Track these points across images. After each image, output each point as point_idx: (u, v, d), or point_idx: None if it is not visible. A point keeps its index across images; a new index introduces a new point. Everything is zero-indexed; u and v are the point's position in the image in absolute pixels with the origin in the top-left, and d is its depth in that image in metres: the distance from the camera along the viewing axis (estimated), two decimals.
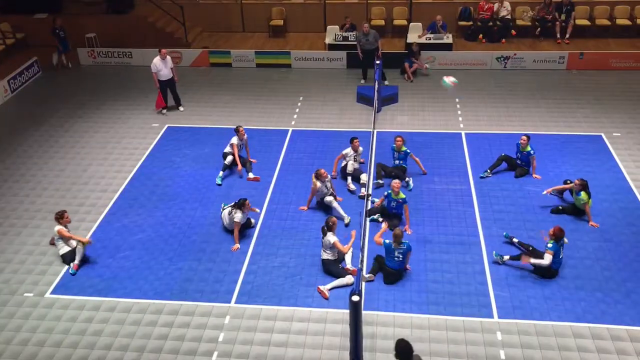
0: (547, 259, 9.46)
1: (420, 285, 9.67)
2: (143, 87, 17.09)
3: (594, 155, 13.11)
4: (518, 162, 12.44)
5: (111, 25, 19.44)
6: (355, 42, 17.09)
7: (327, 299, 9.45)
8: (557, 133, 14.04)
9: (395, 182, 10.95)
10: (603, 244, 10.45)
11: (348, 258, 9.96)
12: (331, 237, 9.78)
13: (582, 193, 10.85)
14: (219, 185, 12.50)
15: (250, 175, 12.66)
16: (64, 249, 10.35)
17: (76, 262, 10.20)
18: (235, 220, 10.60)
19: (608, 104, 15.37)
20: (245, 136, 12.93)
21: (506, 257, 10.05)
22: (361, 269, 9.18)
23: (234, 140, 12.80)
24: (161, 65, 15.08)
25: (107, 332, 9.03)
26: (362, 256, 9.80)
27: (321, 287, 9.60)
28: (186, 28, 19.52)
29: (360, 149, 12.42)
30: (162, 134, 14.65)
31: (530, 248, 10.08)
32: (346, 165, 12.25)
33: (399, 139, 12.24)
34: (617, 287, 9.51)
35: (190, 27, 19.97)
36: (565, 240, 9.86)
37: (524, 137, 12.25)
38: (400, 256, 9.62)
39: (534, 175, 12.33)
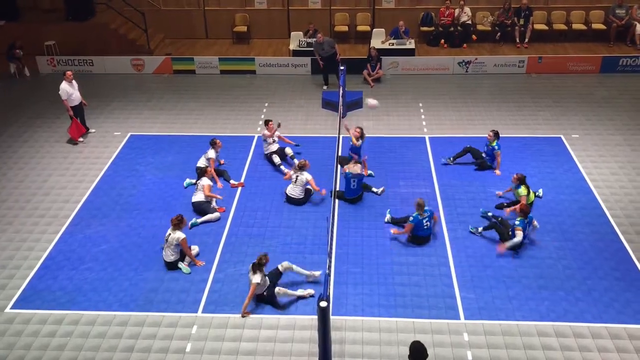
0: (518, 236, 10.00)
1: (388, 289, 9.75)
2: (104, 95, 16.84)
3: (554, 156, 13.42)
4: (484, 155, 12.90)
5: (71, 32, 19.05)
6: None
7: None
8: (518, 135, 14.31)
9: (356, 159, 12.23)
10: (564, 244, 10.69)
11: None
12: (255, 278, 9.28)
13: (522, 187, 11.19)
14: (185, 187, 12.46)
15: (233, 182, 12.61)
16: (172, 257, 10.23)
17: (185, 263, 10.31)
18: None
19: (566, 106, 15.76)
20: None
21: (480, 229, 10.76)
22: (329, 274, 9.18)
23: (211, 153, 12.54)
24: (71, 90, 14.04)
25: (71, 346, 8.83)
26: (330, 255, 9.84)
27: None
28: (148, 35, 19.30)
29: (277, 133, 13.27)
30: (124, 142, 14.43)
31: (500, 218, 10.80)
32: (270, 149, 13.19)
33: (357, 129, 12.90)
34: (578, 285, 9.74)
35: (152, 34, 19.75)
36: (535, 223, 10.43)
37: (490, 133, 12.71)
38: (355, 182, 11.55)
39: (496, 172, 12.71)
